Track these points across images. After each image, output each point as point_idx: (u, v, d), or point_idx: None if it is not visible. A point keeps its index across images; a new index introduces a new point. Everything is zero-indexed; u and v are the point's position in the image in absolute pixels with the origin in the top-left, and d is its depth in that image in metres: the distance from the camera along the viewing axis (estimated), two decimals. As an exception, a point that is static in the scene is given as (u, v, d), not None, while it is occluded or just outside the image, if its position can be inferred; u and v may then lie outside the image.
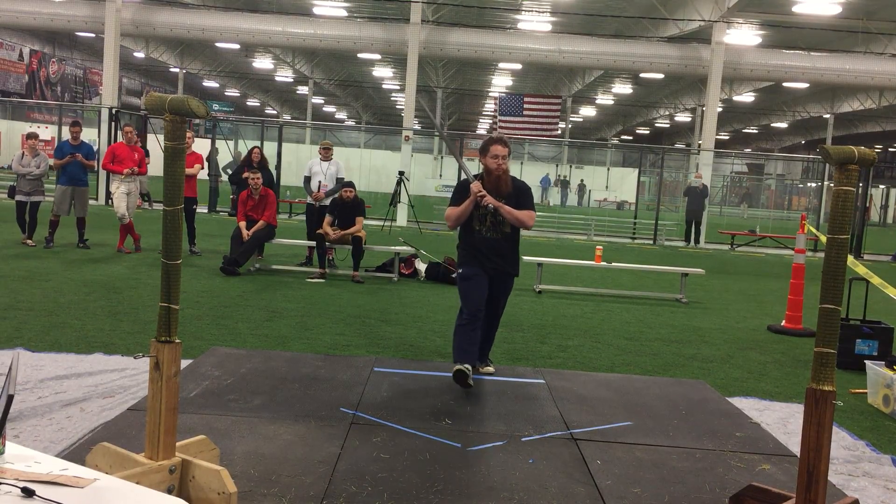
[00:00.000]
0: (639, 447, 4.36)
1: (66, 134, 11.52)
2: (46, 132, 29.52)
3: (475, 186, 5.34)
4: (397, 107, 52.95)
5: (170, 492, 2.93)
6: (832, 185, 3.19)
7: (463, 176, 5.59)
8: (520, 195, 5.46)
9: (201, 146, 17.54)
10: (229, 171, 17.38)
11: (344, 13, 25.10)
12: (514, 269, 5.58)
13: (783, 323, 8.53)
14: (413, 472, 3.80)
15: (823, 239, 9.15)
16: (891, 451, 4.67)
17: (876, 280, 7.19)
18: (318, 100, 52.97)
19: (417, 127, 52.10)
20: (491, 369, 5.71)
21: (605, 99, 44.86)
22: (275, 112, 60.11)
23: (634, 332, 7.83)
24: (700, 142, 24.43)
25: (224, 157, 22.05)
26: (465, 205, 5.38)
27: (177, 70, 42.06)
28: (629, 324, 8.25)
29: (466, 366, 5.19)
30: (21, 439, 3.79)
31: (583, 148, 50.21)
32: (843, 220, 3.00)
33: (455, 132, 44.03)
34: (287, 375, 5.25)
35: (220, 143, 22.52)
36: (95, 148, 15.86)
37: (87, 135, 18.39)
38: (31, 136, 11.17)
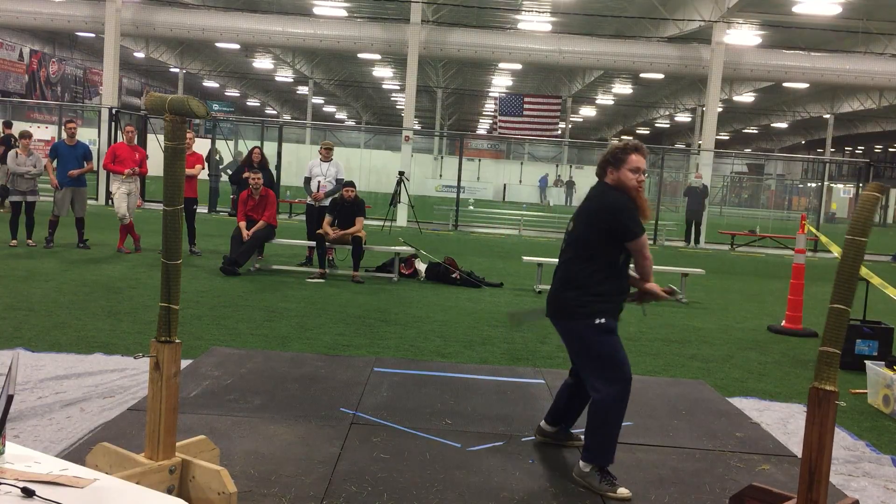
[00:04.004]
0: (639, 447, 4.36)
1: (65, 133, 11.47)
2: (46, 132, 29.51)
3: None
4: (397, 107, 52.95)
5: (170, 492, 2.93)
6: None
7: None
8: None
9: (201, 146, 17.52)
10: (229, 172, 17.38)
11: (344, 13, 25.10)
12: None
13: (783, 323, 8.53)
14: (413, 472, 3.80)
15: (824, 239, 9.17)
16: (891, 451, 4.67)
17: (876, 280, 7.19)
18: (318, 100, 52.98)
19: (417, 127, 52.12)
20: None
21: (605, 99, 44.86)
22: (275, 112, 60.11)
23: (634, 332, 7.82)
24: (700, 142, 24.42)
25: (223, 157, 22.03)
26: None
27: (177, 70, 42.06)
28: (629, 324, 8.23)
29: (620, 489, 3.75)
30: (21, 439, 3.79)
31: (583, 148, 50.17)
32: (866, 223, 2.99)
33: (455, 132, 44.01)
34: (287, 375, 5.25)
35: (219, 144, 22.53)
36: (95, 148, 15.90)
37: (87, 135, 18.41)
38: (26, 136, 11.15)
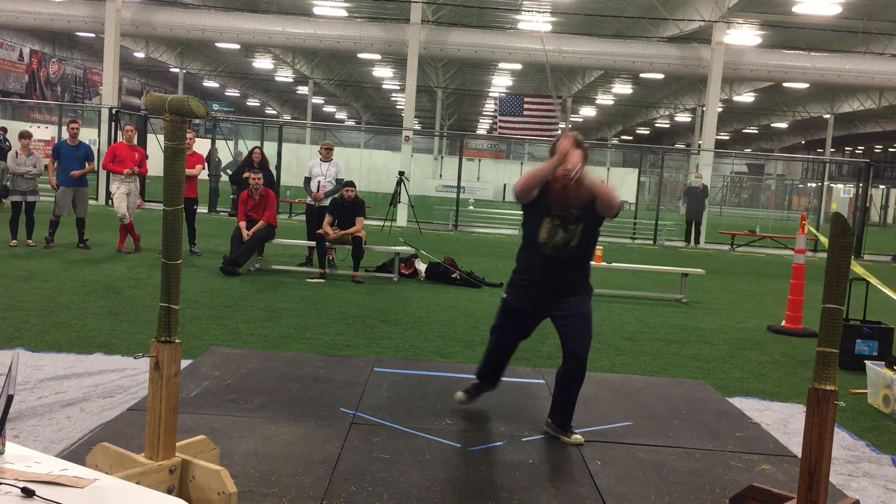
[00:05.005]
0: (639, 447, 4.36)
1: (66, 133, 11.47)
2: (46, 132, 29.50)
3: (567, 141, 4.01)
4: (397, 107, 52.91)
5: (170, 492, 2.93)
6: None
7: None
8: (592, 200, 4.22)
9: (201, 146, 17.54)
10: (229, 172, 17.38)
11: (344, 13, 25.09)
12: (580, 288, 4.39)
13: (783, 323, 8.53)
14: (413, 472, 3.80)
15: (823, 239, 9.16)
16: (891, 451, 4.67)
17: (874, 280, 7.18)
18: (318, 100, 52.94)
19: (417, 127, 52.08)
20: (579, 438, 4.34)
21: (605, 99, 44.81)
22: (275, 112, 60.09)
23: (634, 332, 7.82)
24: (700, 142, 24.42)
25: (223, 157, 22.03)
26: (544, 166, 4.04)
27: (177, 70, 42.04)
28: (629, 324, 8.25)
29: (486, 384, 4.79)
30: (21, 439, 3.79)
31: (583, 148, 50.09)
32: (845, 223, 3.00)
33: (455, 132, 43.98)
34: (287, 375, 5.25)
35: (219, 144, 22.52)
36: (95, 148, 15.89)
37: (87, 135, 18.41)
38: (26, 136, 11.16)
